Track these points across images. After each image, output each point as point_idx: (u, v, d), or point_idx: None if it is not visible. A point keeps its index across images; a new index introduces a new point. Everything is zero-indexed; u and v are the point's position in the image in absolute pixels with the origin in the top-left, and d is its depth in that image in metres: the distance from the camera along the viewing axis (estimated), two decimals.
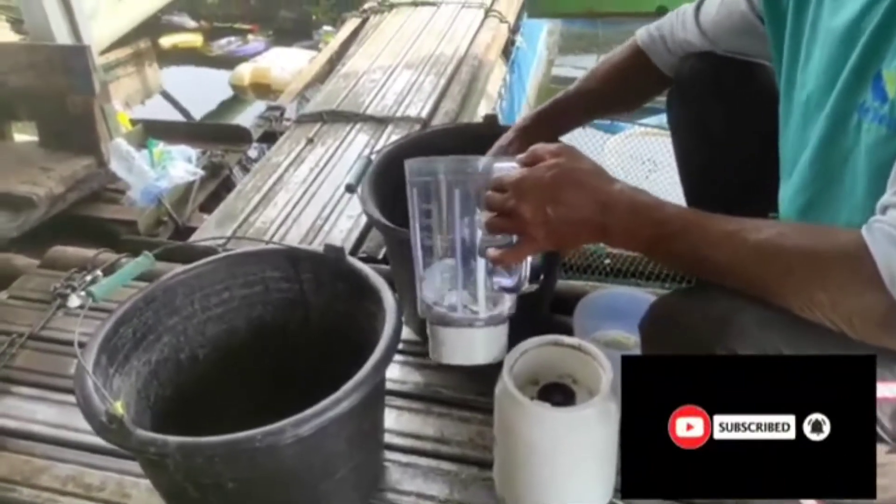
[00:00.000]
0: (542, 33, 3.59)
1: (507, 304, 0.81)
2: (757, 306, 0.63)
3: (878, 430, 0.63)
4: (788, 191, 0.82)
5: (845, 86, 0.69)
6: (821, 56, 0.74)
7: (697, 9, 1.00)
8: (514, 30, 2.91)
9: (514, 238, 0.73)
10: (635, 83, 1.09)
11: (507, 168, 0.73)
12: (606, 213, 0.68)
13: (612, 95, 1.09)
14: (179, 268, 0.99)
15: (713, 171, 1.07)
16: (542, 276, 0.77)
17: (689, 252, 0.66)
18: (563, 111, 1.09)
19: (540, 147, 0.73)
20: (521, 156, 0.74)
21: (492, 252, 0.74)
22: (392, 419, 1.07)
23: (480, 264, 0.78)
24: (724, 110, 1.02)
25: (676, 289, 1.11)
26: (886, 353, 0.61)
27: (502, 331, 0.82)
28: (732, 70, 1.00)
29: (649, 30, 1.06)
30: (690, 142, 1.10)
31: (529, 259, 0.75)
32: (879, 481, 0.64)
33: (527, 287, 0.77)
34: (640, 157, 1.94)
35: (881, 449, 0.64)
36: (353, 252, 1.50)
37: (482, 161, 0.78)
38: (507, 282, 0.78)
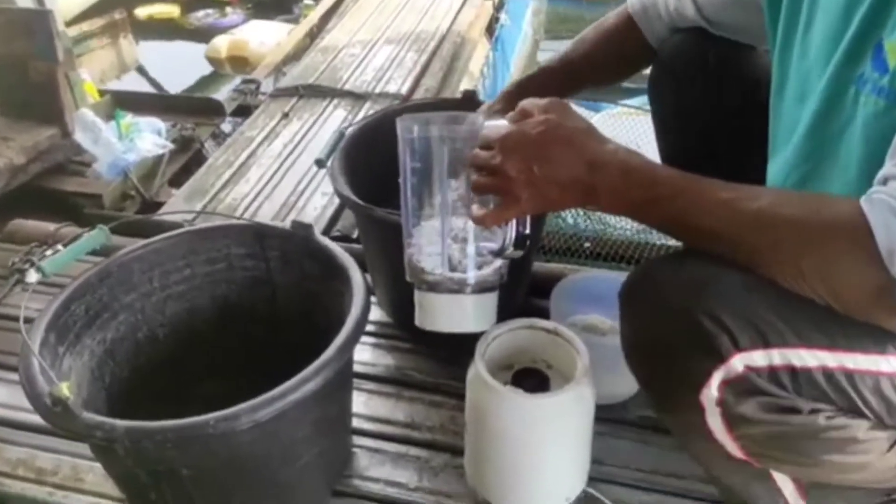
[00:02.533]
0: (528, 12, 3.53)
1: (497, 270, 0.78)
2: (741, 270, 0.60)
3: (861, 405, 0.61)
4: (779, 167, 0.79)
5: (844, 56, 0.66)
6: (822, 24, 0.70)
7: None
8: (499, 7, 2.86)
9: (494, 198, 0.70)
10: (623, 52, 1.05)
11: (497, 126, 0.70)
12: (595, 172, 0.64)
13: (600, 64, 1.05)
14: (138, 242, 0.94)
15: (693, 150, 1.04)
16: (527, 243, 0.73)
17: (680, 217, 0.63)
18: (551, 77, 1.05)
19: (529, 102, 0.69)
20: (511, 113, 0.70)
21: (474, 212, 0.71)
22: (361, 403, 1.03)
23: (469, 227, 0.75)
24: (706, 89, 0.99)
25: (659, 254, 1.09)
26: (872, 325, 0.59)
27: (492, 298, 0.79)
28: (716, 49, 0.98)
29: None
30: (671, 121, 1.08)
31: (514, 222, 0.72)
32: (862, 458, 0.62)
33: (511, 252, 0.73)
34: (622, 138, 1.91)
35: (863, 425, 0.62)
36: (327, 230, 1.46)
37: (473, 117, 0.75)
38: (491, 244, 0.76)
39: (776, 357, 0.59)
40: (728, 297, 0.59)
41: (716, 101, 0.99)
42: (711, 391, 0.59)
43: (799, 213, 0.58)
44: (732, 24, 0.96)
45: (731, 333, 0.58)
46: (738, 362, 0.58)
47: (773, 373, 0.59)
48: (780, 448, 0.63)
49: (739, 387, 0.59)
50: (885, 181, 0.57)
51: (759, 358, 0.59)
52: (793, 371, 0.59)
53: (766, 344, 0.58)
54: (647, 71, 1.09)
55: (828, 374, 0.59)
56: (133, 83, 3.28)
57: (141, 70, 3.42)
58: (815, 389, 0.60)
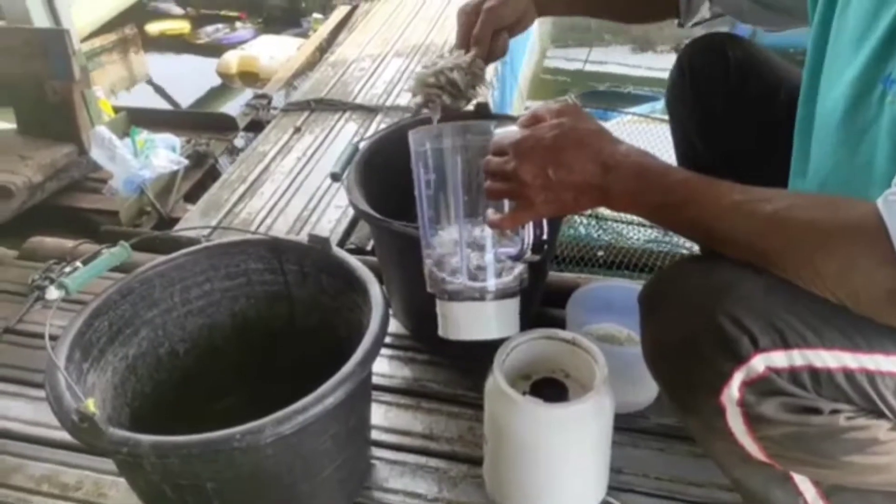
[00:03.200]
0: (535, 22, 3.54)
1: (518, 276, 0.79)
2: (761, 273, 0.61)
3: (882, 406, 0.61)
4: (803, 168, 0.78)
5: (873, 53, 0.65)
6: (853, 19, 0.69)
7: None
8: None
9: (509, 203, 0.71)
10: None
11: (509, 131, 0.71)
12: (609, 175, 0.65)
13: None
14: (157, 259, 0.95)
15: (713, 159, 1.04)
16: (545, 247, 0.74)
17: (696, 220, 0.63)
18: None
19: (541, 107, 0.70)
20: (522, 117, 0.71)
21: (490, 216, 0.71)
22: (380, 415, 1.04)
23: (487, 234, 0.76)
24: (728, 96, 0.99)
25: (679, 258, 1.09)
26: (891, 327, 0.59)
27: (514, 304, 0.80)
28: (737, 54, 0.98)
29: None
30: (691, 128, 1.08)
31: (531, 225, 0.72)
32: (882, 459, 0.62)
33: (529, 256, 0.74)
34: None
35: (884, 426, 0.62)
36: (341, 243, 1.47)
37: (484, 127, 0.76)
38: (510, 250, 0.76)
39: (797, 358, 0.59)
40: (748, 300, 0.60)
41: (738, 110, 0.99)
42: (732, 391, 0.60)
43: (814, 215, 0.59)
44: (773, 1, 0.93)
45: (752, 335, 0.59)
46: (759, 363, 0.59)
47: (793, 373, 0.59)
48: (801, 449, 0.63)
49: (760, 387, 0.59)
50: None
51: (779, 359, 0.59)
52: (813, 372, 0.59)
53: (786, 345, 0.59)
54: (660, 76, 1.09)
55: (848, 374, 0.59)
56: (145, 97, 3.32)
57: (151, 83, 3.46)
58: (836, 390, 0.60)
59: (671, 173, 0.65)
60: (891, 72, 0.64)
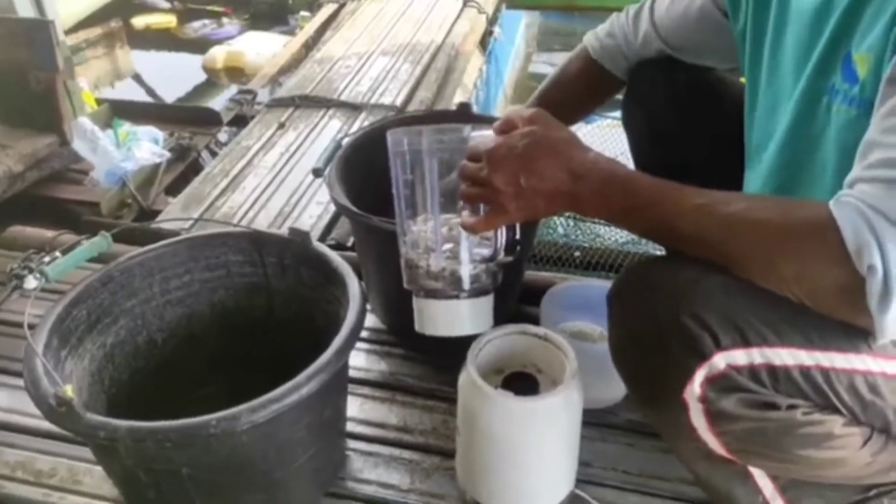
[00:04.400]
0: (521, 25, 3.58)
1: (491, 274, 0.81)
2: (723, 273, 0.63)
3: (836, 402, 0.64)
4: (755, 179, 0.82)
5: (815, 68, 0.69)
6: (792, 38, 0.74)
7: (652, 6, 1.01)
8: (493, 21, 2.89)
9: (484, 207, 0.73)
10: (593, 90, 1.10)
11: (484, 136, 0.73)
12: (579, 182, 0.68)
13: (574, 104, 1.10)
14: (136, 249, 0.96)
15: (668, 173, 1.07)
16: (518, 248, 0.77)
17: (660, 223, 0.66)
18: None
19: (514, 113, 0.73)
20: (496, 123, 0.73)
21: (465, 219, 0.74)
22: (355, 407, 1.06)
23: (462, 235, 0.78)
24: (677, 115, 1.03)
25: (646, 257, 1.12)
26: (845, 324, 0.61)
27: (487, 302, 0.82)
28: (685, 75, 1.02)
29: (599, 37, 1.07)
30: (644, 144, 1.12)
31: (504, 229, 0.75)
32: (838, 453, 0.65)
33: (502, 257, 0.77)
34: (610, 149, 1.94)
35: (838, 421, 0.65)
36: (322, 238, 1.48)
37: (460, 130, 0.78)
38: (484, 250, 0.79)
39: (756, 356, 0.62)
40: (711, 299, 0.62)
41: (687, 125, 1.03)
42: (695, 388, 0.62)
43: (770, 216, 0.61)
44: (697, 47, 0.99)
45: (714, 333, 0.61)
46: (720, 360, 0.61)
47: (753, 370, 0.62)
48: (761, 443, 0.65)
49: (721, 384, 0.62)
50: (852, 184, 0.60)
51: (740, 356, 0.61)
52: (772, 369, 0.62)
53: (746, 343, 0.61)
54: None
55: (805, 371, 0.62)
56: (130, 91, 3.30)
57: (137, 78, 3.44)
58: (793, 386, 0.63)
59: (637, 179, 0.68)
60: (833, 83, 0.67)
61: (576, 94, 1.10)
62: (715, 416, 0.64)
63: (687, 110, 1.02)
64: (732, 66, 0.95)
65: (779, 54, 0.76)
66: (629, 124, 1.12)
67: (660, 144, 1.06)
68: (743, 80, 0.88)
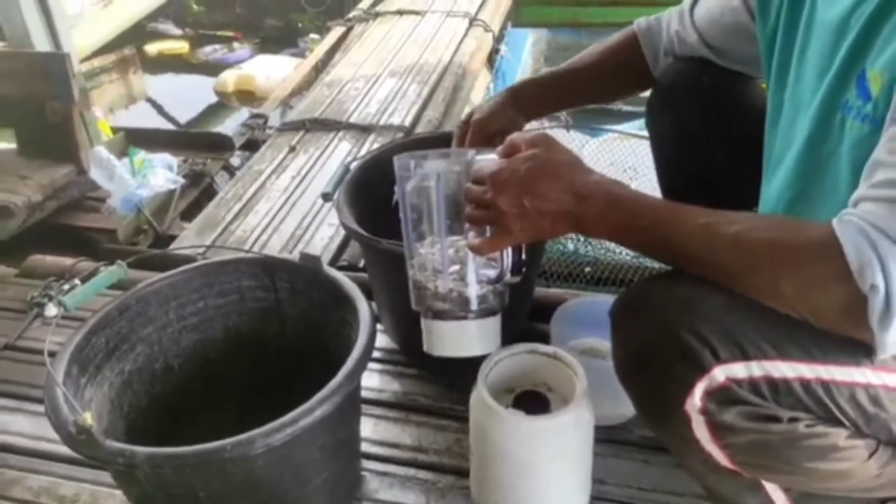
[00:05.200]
0: (527, 43, 3.60)
1: (498, 295, 0.83)
2: (723, 290, 0.64)
3: (838, 414, 0.64)
4: (772, 189, 0.83)
5: (832, 83, 0.70)
6: (814, 53, 0.74)
7: (694, 3, 1.01)
8: (499, 39, 2.92)
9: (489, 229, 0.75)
10: (622, 69, 1.08)
11: (488, 160, 0.74)
12: (582, 204, 0.69)
13: (597, 78, 1.08)
14: (153, 277, 0.98)
15: (691, 176, 1.08)
16: (524, 269, 0.79)
17: (663, 243, 0.67)
18: (546, 88, 1.08)
19: (518, 136, 0.74)
20: (500, 147, 0.75)
21: (471, 241, 0.76)
22: (369, 428, 1.07)
23: (469, 256, 0.80)
24: (703, 117, 1.03)
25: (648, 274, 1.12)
26: (845, 338, 0.62)
27: (495, 322, 0.83)
28: (712, 78, 1.02)
29: (648, 19, 1.07)
30: (669, 147, 1.12)
31: (510, 250, 0.77)
32: (844, 465, 0.65)
33: (509, 278, 0.79)
34: (620, 163, 1.95)
35: (842, 433, 0.65)
36: (334, 261, 1.50)
37: (465, 154, 0.80)
38: (490, 272, 0.80)
39: (755, 369, 0.62)
40: (710, 315, 0.63)
41: (712, 129, 1.03)
42: (695, 401, 0.63)
43: (774, 235, 0.62)
44: (733, 51, 0.99)
45: (713, 347, 0.62)
46: (720, 373, 0.62)
47: (752, 383, 0.63)
48: (765, 456, 0.66)
49: (721, 396, 0.63)
50: (856, 203, 0.61)
51: (739, 370, 0.62)
52: (771, 382, 0.62)
53: (745, 357, 0.62)
54: (646, 94, 1.13)
55: (805, 384, 0.63)
56: (144, 115, 3.37)
57: (151, 102, 3.50)
58: (794, 399, 0.63)
59: (640, 200, 0.69)
60: (847, 99, 0.68)
61: (601, 66, 1.07)
62: (717, 429, 0.64)
63: (713, 116, 1.02)
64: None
65: (803, 64, 0.77)
66: (654, 129, 1.12)
67: (684, 150, 1.07)
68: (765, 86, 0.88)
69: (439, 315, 0.82)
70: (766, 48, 0.85)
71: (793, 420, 0.63)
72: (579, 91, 1.10)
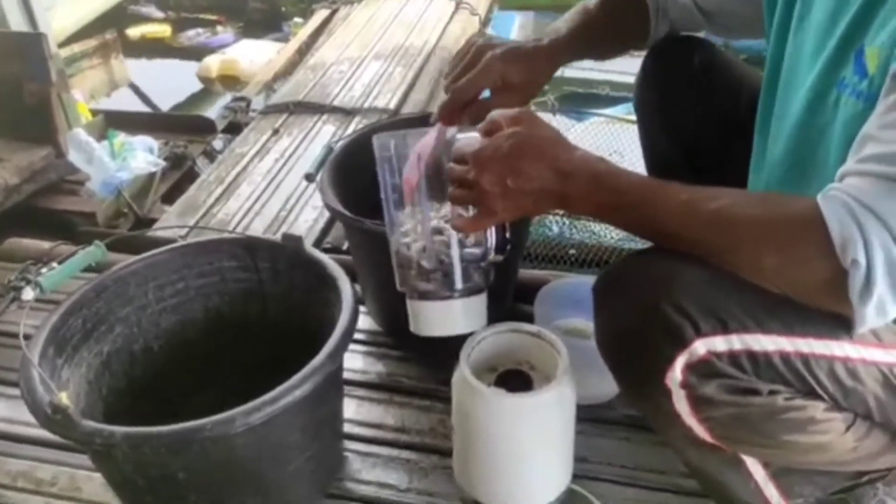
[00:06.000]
0: (514, 26, 3.58)
1: (483, 273, 0.82)
2: (704, 265, 0.64)
3: (816, 387, 0.64)
4: (763, 165, 0.82)
5: (830, 58, 0.69)
6: (815, 22, 0.73)
7: None
8: (485, 22, 2.90)
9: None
10: (624, 18, 1.01)
11: (469, 139, 0.73)
12: (566, 181, 0.68)
13: (601, 28, 0.99)
14: (132, 258, 0.97)
15: (677, 157, 1.08)
16: (508, 247, 0.78)
17: (647, 220, 0.67)
18: (579, 37, 0.99)
19: (499, 114, 0.73)
20: (481, 125, 0.74)
21: (455, 220, 0.75)
22: (352, 409, 1.06)
23: (453, 236, 0.79)
24: (692, 95, 1.03)
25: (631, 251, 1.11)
26: (826, 312, 0.62)
27: (480, 300, 0.83)
28: (701, 56, 1.02)
29: None
30: (656, 126, 1.11)
31: (494, 228, 0.76)
32: (822, 438, 0.66)
33: (493, 257, 0.78)
34: (605, 147, 1.95)
35: (819, 406, 0.65)
36: (318, 243, 1.49)
37: (446, 131, 0.79)
38: (475, 251, 0.80)
39: (736, 342, 0.62)
40: (691, 289, 0.63)
41: (701, 109, 1.03)
42: (676, 374, 0.63)
43: (756, 211, 0.62)
44: (728, 14, 0.96)
45: (694, 321, 0.62)
46: (701, 346, 0.62)
47: (733, 357, 0.63)
48: (744, 429, 0.66)
49: (701, 369, 0.63)
50: (842, 177, 0.61)
51: (719, 343, 0.62)
52: (752, 355, 0.63)
53: (725, 330, 0.62)
54: (631, 80, 1.12)
55: (785, 357, 0.63)
56: (126, 101, 3.31)
57: (134, 88, 3.45)
58: (774, 372, 0.63)
59: (624, 177, 0.69)
60: (844, 76, 0.68)
61: (605, 13, 0.98)
62: (697, 402, 0.64)
63: (701, 93, 1.02)
64: (759, 38, 0.90)
65: (800, 36, 0.76)
66: (642, 107, 1.12)
67: (672, 128, 1.07)
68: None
69: (424, 296, 0.82)
70: (768, 10, 0.84)
71: (772, 393, 0.64)
72: (571, 46, 0.98)
